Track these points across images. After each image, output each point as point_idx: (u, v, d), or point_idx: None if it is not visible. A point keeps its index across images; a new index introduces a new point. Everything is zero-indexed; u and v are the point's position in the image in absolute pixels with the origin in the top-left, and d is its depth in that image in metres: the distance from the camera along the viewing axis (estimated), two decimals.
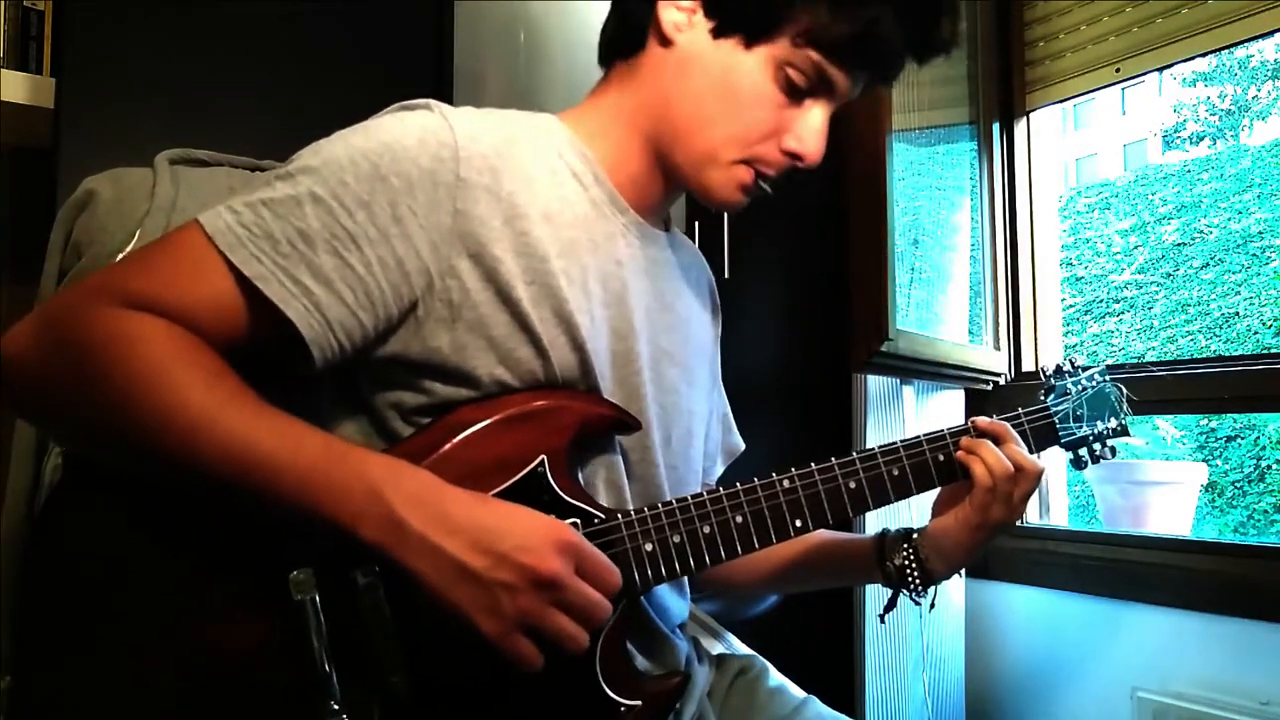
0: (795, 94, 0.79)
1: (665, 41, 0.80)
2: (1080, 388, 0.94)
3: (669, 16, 0.79)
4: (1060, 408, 0.92)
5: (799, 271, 1.73)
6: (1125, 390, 0.97)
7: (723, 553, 0.76)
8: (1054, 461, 2.04)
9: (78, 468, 0.70)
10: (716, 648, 1.04)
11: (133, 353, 0.63)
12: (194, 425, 0.62)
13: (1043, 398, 0.94)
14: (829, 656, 1.64)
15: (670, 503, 0.76)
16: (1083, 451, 0.94)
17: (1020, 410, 0.91)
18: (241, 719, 0.65)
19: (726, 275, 1.57)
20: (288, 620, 0.65)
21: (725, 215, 1.57)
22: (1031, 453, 0.87)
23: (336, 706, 0.63)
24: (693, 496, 0.77)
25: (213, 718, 0.64)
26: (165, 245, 0.70)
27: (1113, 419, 0.95)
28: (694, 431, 0.92)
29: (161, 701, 0.64)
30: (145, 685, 0.64)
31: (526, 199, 0.75)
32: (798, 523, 0.79)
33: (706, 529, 0.76)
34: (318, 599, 0.65)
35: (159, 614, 0.65)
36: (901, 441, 0.84)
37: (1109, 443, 0.95)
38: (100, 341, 0.63)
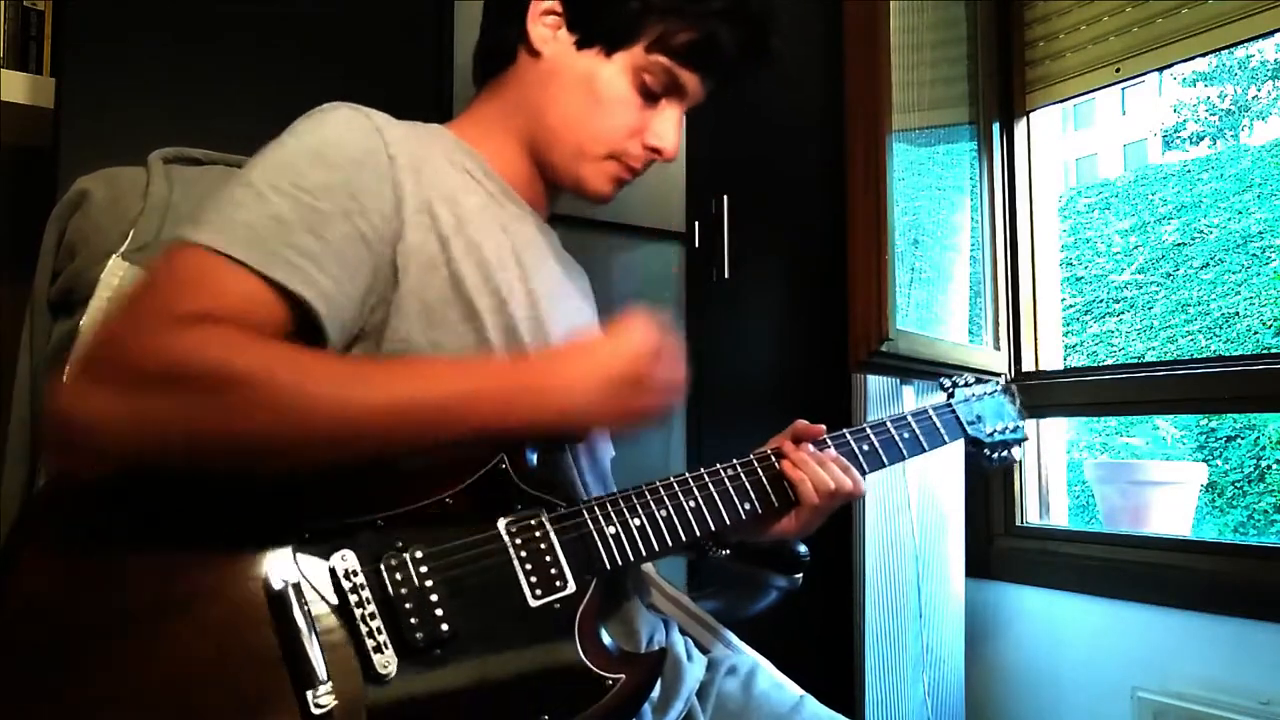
0: (650, 97, 0.90)
1: (534, 54, 0.90)
2: (976, 396, 1.08)
3: (537, 32, 0.89)
4: (960, 406, 1.05)
5: (799, 271, 1.73)
6: (1019, 398, 1.12)
7: (681, 534, 0.83)
8: (1055, 461, 2.04)
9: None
10: (715, 646, 1.04)
11: (232, 358, 0.63)
12: (339, 396, 0.65)
13: (946, 399, 1.06)
14: (829, 656, 1.64)
15: (628, 490, 0.83)
16: (986, 451, 1.07)
17: (927, 408, 1.01)
18: (229, 708, 0.65)
19: (726, 275, 1.57)
20: (273, 608, 0.66)
21: (725, 216, 1.57)
22: (945, 444, 1.01)
23: (323, 688, 0.65)
24: (646, 484, 0.84)
25: (199, 708, 0.65)
26: (171, 267, 0.69)
27: (1011, 422, 1.09)
28: None
29: (147, 692, 0.64)
30: (130, 677, 0.64)
31: (440, 180, 0.83)
32: (746, 506, 0.87)
33: (664, 512, 0.82)
34: (300, 585, 0.67)
35: (141, 609, 0.66)
36: (830, 435, 0.93)
37: (1012, 448, 1.09)
38: (196, 362, 0.63)
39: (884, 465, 0.95)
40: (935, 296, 1.78)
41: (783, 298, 1.71)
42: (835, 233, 1.64)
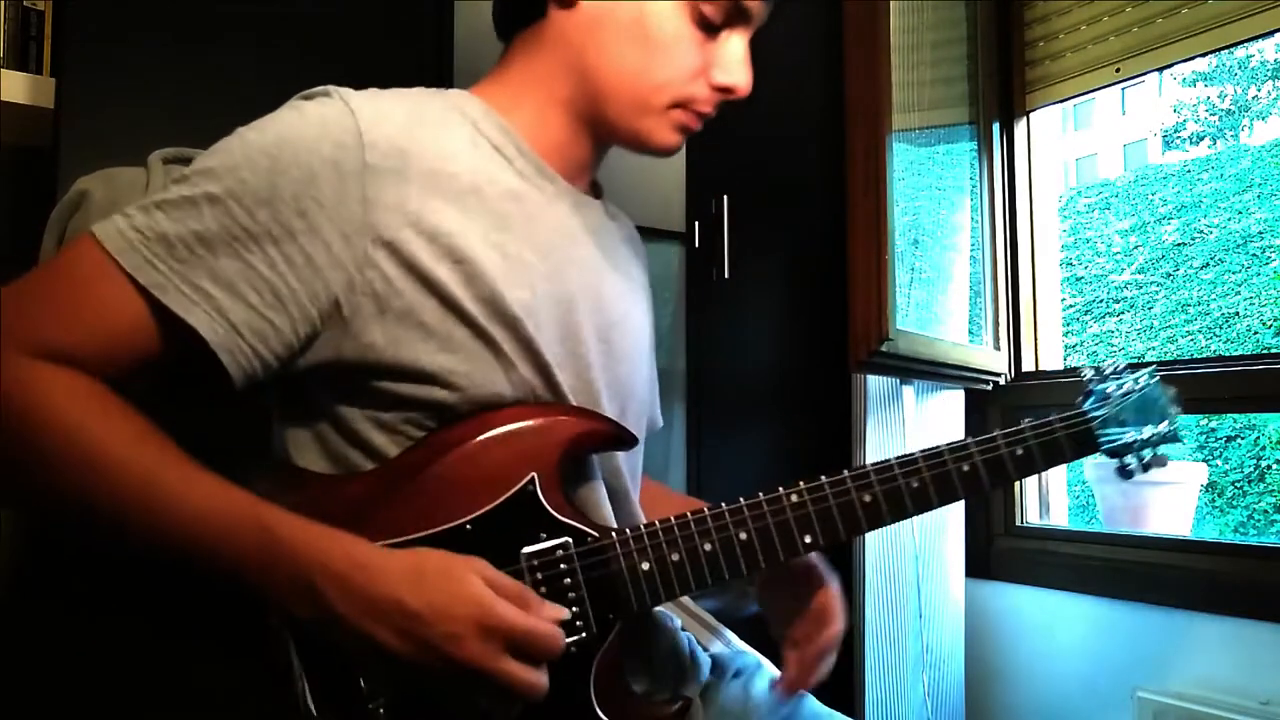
0: (711, 29, 0.78)
1: (566, 3, 0.78)
2: (1123, 391, 0.86)
3: None
4: (1100, 412, 0.84)
5: (799, 271, 1.73)
6: (1173, 391, 0.90)
7: (725, 571, 0.73)
8: None
9: None
10: (714, 645, 1.03)
11: (48, 421, 0.61)
12: (120, 499, 0.61)
13: (1080, 402, 0.86)
14: None
15: (669, 519, 0.73)
16: (1130, 460, 0.86)
17: (1054, 416, 0.82)
18: None
19: (726, 275, 1.57)
20: (269, 648, 0.64)
21: (725, 216, 1.57)
22: (1068, 460, 0.82)
23: None
24: (693, 512, 0.74)
25: None
26: (63, 267, 0.67)
27: (1161, 424, 0.86)
28: (645, 399, 0.90)
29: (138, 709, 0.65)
30: (123, 695, 0.64)
31: (444, 178, 0.72)
32: (807, 539, 0.75)
33: (708, 546, 0.73)
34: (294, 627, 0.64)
35: (142, 642, 0.66)
36: (921, 452, 0.78)
37: (1159, 450, 0.87)
38: (12, 409, 0.61)
39: (984, 491, 0.80)
40: (935, 296, 1.78)
41: (783, 298, 1.71)
42: (835, 233, 1.64)
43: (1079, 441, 0.82)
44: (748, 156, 1.61)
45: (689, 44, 0.77)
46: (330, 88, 0.73)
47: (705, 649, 1.00)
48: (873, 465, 0.77)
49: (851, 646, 1.64)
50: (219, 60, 1.16)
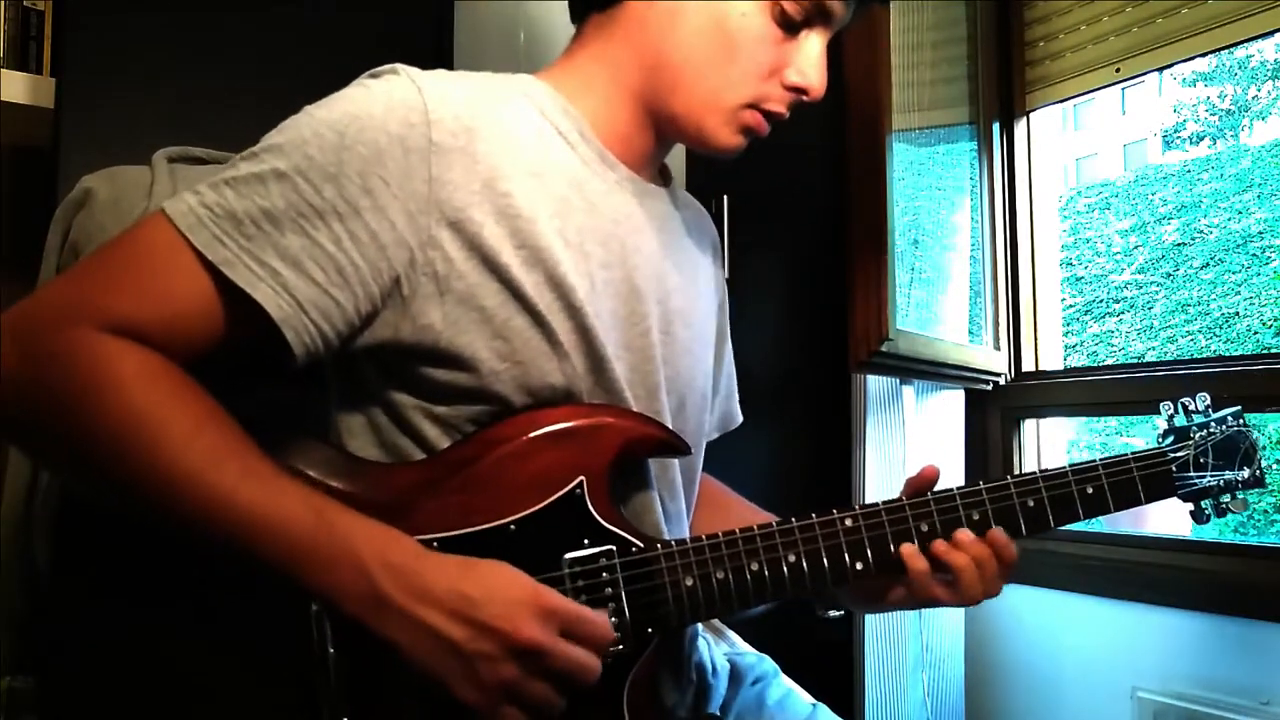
0: (792, 28, 0.76)
1: None
2: (1206, 431, 0.82)
3: None
4: (1180, 454, 0.81)
5: (799, 271, 1.73)
6: (1257, 435, 0.85)
7: (770, 592, 0.72)
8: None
9: None
10: (721, 646, 1.03)
11: (114, 399, 0.61)
12: (178, 482, 0.61)
13: (1160, 441, 0.83)
14: (829, 656, 1.64)
15: (717, 535, 0.72)
16: (1205, 504, 0.83)
17: (1130, 456, 0.79)
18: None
19: (727, 275, 1.57)
20: (308, 632, 0.65)
21: (725, 216, 1.57)
22: (1142, 504, 0.80)
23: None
24: (741, 530, 0.73)
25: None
26: (133, 242, 0.66)
27: (1245, 468, 0.82)
28: (706, 393, 0.89)
29: (179, 701, 0.65)
30: (163, 683, 0.65)
31: (509, 159, 0.71)
32: (858, 565, 0.74)
33: (754, 565, 0.72)
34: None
35: (174, 615, 0.66)
36: (986, 483, 0.77)
37: (1239, 494, 0.82)
38: (79, 382, 0.61)
39: (1049, 527, 0.78)
40: (935, 296, 1.78)
41: (783, 298, 1.71)
42: (835, 233, 1.64)
43: (1154, 484, 0.79)
44: (748, 156, 1.61)
45: (767, 42, 0.76)
46: (398, 66, 0.72)
47: (720, 657, 1.00)
48: (933, 494, 0.76)
49: (851, 646, 1.64)
50: (219, 61, 1.16)
